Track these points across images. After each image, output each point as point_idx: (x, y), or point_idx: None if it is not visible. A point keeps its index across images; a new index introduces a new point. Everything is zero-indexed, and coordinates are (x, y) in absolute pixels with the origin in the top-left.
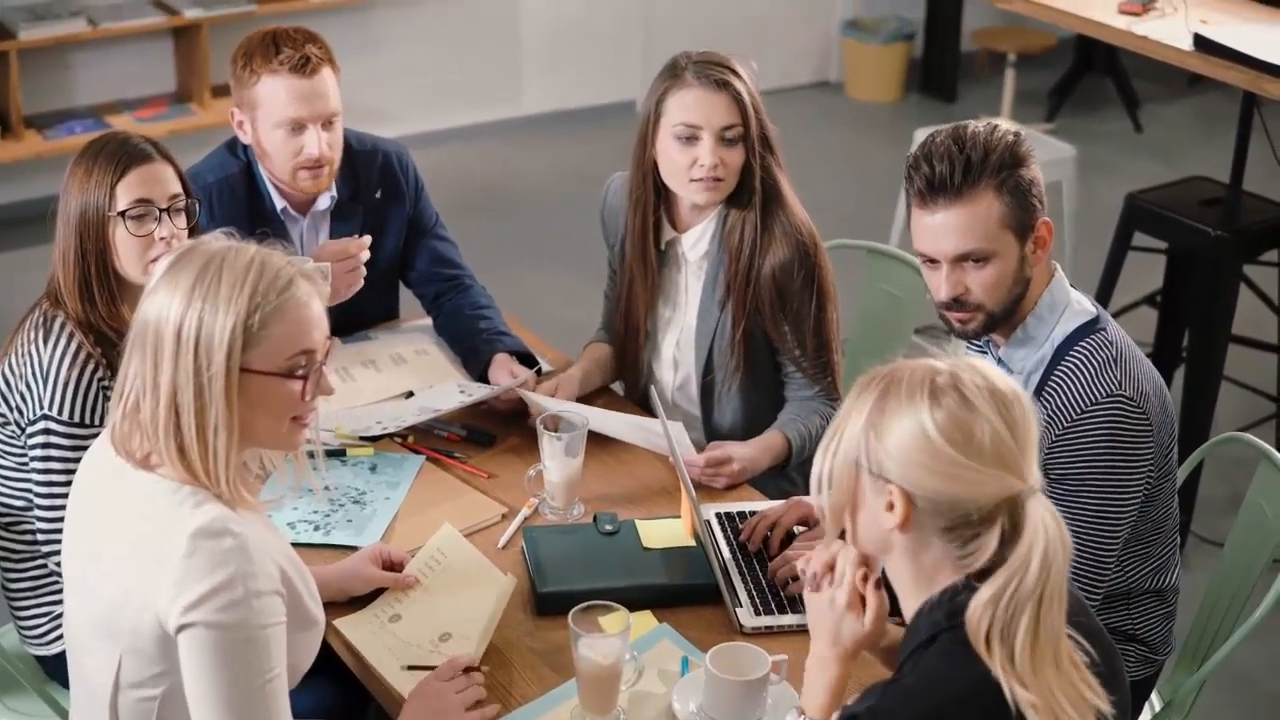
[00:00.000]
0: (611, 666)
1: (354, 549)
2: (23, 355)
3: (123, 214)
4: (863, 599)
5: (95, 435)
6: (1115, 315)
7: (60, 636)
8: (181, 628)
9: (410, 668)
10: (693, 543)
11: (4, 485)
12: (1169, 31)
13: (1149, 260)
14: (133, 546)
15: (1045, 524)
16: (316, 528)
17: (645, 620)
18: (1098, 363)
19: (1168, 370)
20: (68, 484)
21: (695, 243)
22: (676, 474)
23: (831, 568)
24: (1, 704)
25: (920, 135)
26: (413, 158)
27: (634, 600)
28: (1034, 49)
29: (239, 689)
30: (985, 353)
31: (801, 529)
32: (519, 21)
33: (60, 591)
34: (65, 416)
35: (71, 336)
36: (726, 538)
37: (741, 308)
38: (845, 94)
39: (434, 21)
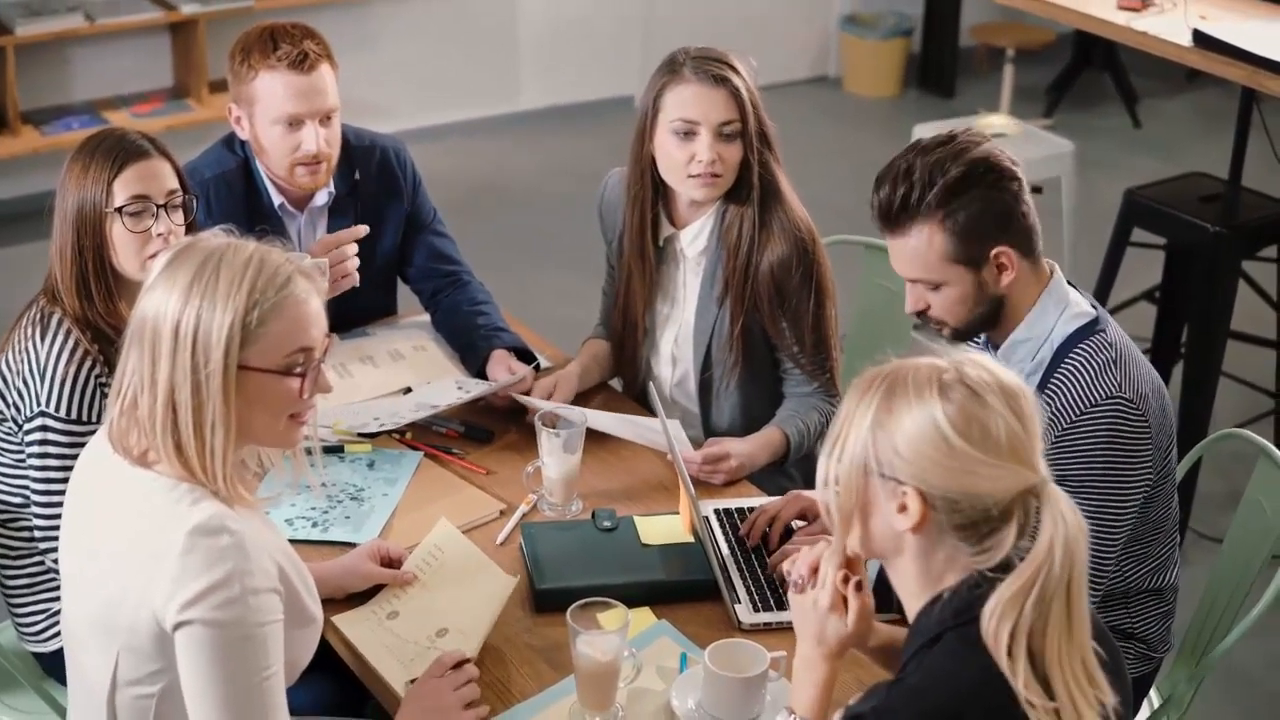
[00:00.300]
0: (610, 663)
1: (352, 546)
2: (20, 352)
3: (120, 210)
4: (845, 600)
5: (92, 432)
6: (1114, 311)
7: (58, 634)
8: (178, 625)
9: (414, 681)
10: (691, 539)
11: (1, 482)
12: (1168, 27)
13: (1148, 256)
14: (130, 544)
15: (1064, 513)
16: (314, 524)
17: (644, 617)
18: (1097, 365)
19: (1166, 366)
20: (65, 481)
21: (693, 239)
22: (675, 470)
23: (816, 570)
24: None
25: (919, 131)
26: (410, 153)
27: (632, 597)
28: (1033, 44)
29: (236, 687)
30: (985, 350)
31: (800, 523)
32: (516, 17)
33: (58, 589)
34: (62, 413)
35: (69, 333)
36: (725, 534)
37: (740, 304)
38: (844, 89)
39: (431, 17)
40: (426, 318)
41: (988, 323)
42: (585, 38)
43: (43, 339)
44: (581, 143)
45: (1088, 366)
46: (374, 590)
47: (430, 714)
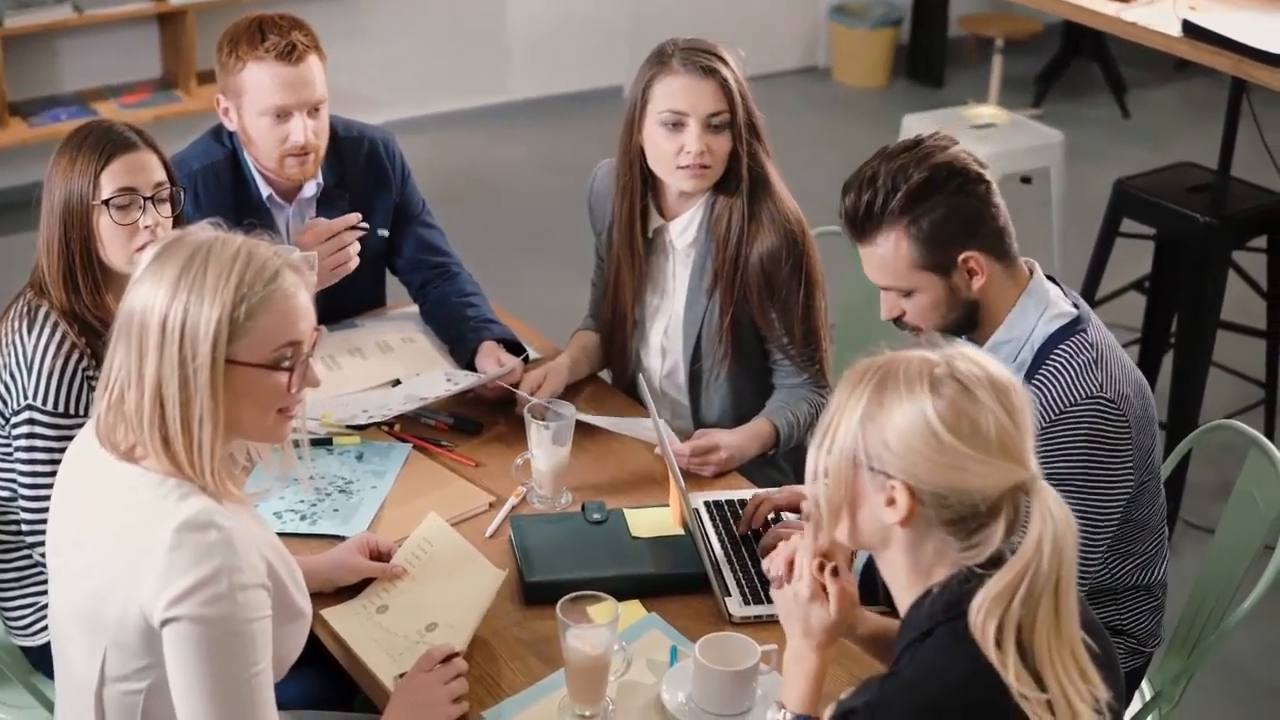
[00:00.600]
0: (600, 657)
1: (341, 539)
2: (7, 345)
3: (107, 203)
4: (825, 588)
5: (80, 425)
6: (1104, 301)
7: (45, 628)
8: (166, 622)
9: (403, 675)
10: (681, 532)
11: None
12: (1157, 17)
13: (1137, 246)
14: (117, 539)
15: (1053, 510)
16: (303, 517)
17: (634, 610)
18: (1077, 365)
19: (1156, 356)
20: (52, 474)
21: (683, 230)
22: (664, 463)
23: (793, 563)
24: None
25: (908, 122)
26: (399, 144)
27: (622, 589)
28: (1021, 34)
29: (224, 683)
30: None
31: (792, 516)
32: (505, 7)
33: (45, 583)
34: (50, 407)
35: (56, 326)
36: (715, 526)
37: (729, 296)
38: (832, 79)
39: (419, 8)
40: (415, 309)
41: (964, 327)
42: (573, 28)
43: (29, 332)
44: (570, 133)
45: (1068, 367)
46: (363, 584)
47: (419, 708)
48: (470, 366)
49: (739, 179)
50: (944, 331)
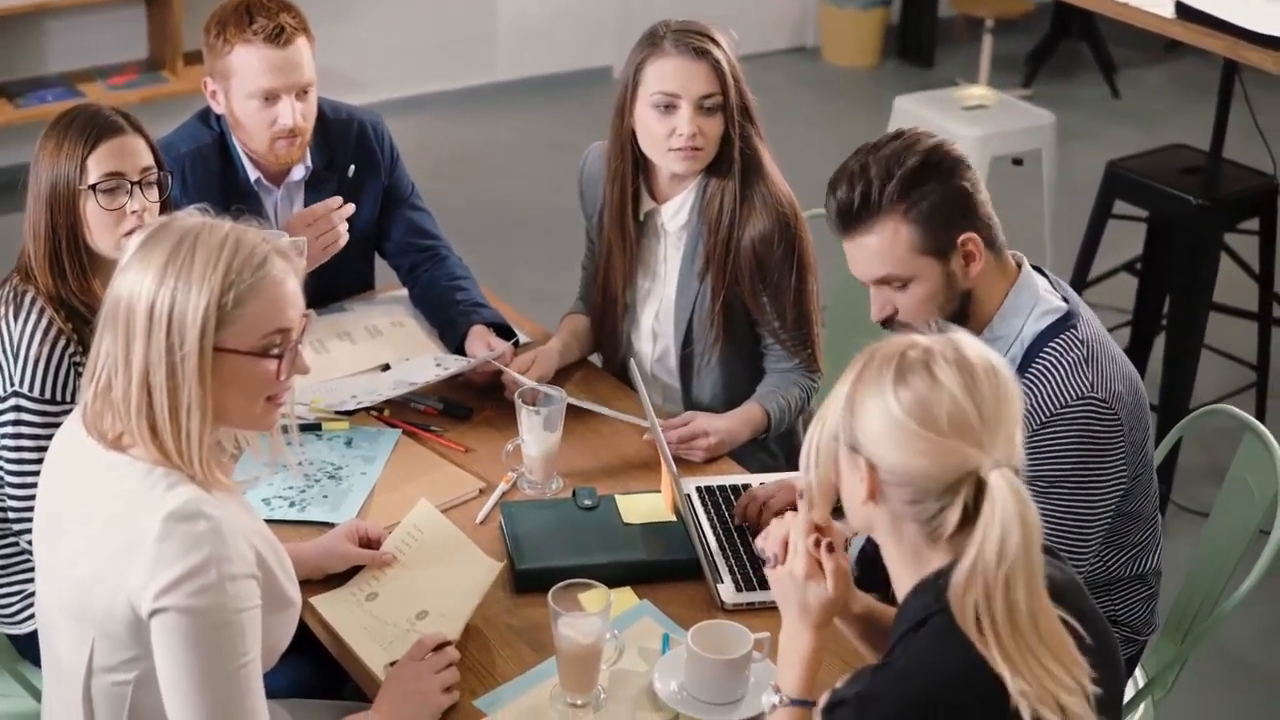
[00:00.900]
0: (592, 645)
1: (330, 526)
2: None
3: (93, 187)
4: (820, 565)
5: (67, 412)
6: (1094, 282)
7: (33, 615)
8: (154, 612)
9: (394, 664)
10: (673, 518)
11: None
12: None
13: (1128, 227)
14: (104, 529)
15: (1004, 502)
16: (292, 504)
17: (625, 597)
18: (1068, 363)
19: (1148, 338)
20: (39, 462)
21: (674, 214)
22: (655, 448)
23: (787, 543)
24: None
25: (899, 103)
26: (388, 127)
27: (614, 577)
28: (1011, 14)
29: (213, 674)
30: None
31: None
32: None
33: (33, 570)
34: (36, 393)
35: (42, 312)
36: (707, 512)
37: (721, 279)
38: (822, 59)
39: None
40: (404, 292)
41: (956, 322)
42: (562, 8)
43: (16, 318)
44: (560, 114)
45: (1059, 365)
46: (352, 571)
47: (411, 697)
48: (460, 351)
49: (731, 161)
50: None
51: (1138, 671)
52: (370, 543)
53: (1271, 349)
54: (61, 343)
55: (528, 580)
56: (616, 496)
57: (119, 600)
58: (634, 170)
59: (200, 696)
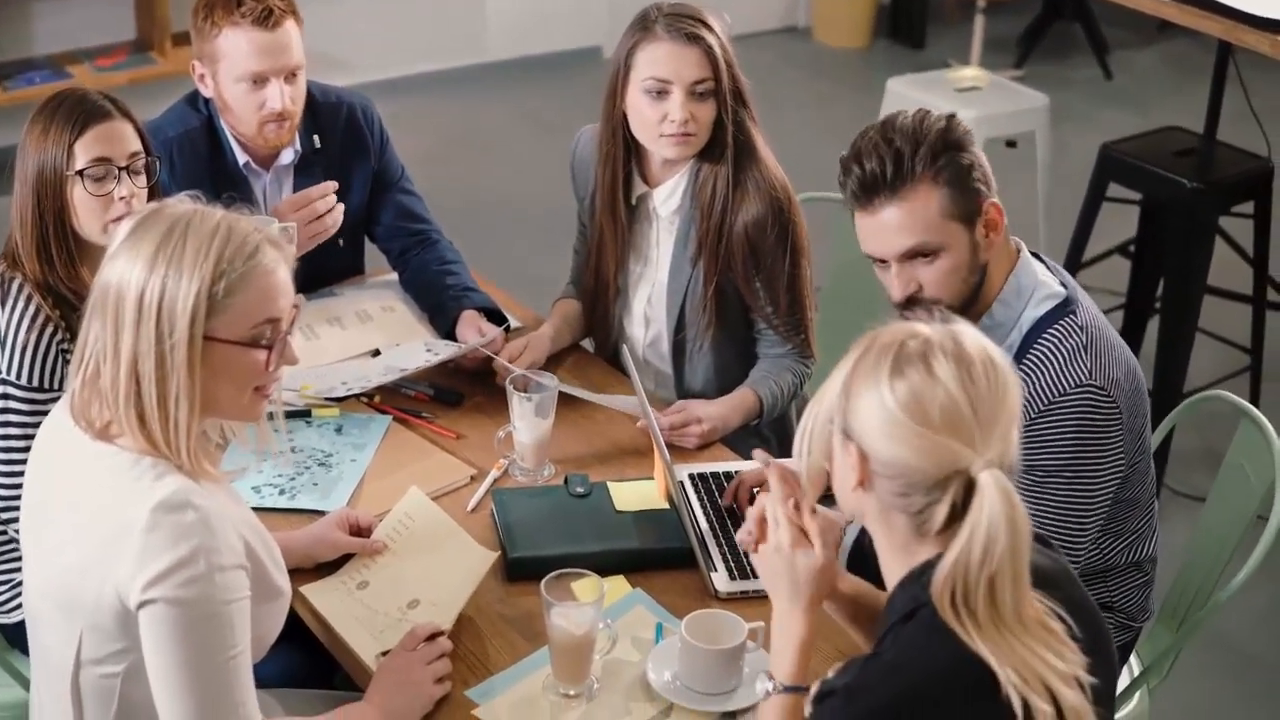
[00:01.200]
0: (585, 636)
1: (320, 514)
2: None
3: (81, 173)
4: (805, 532)
5: (54, 400)
6: (1088, 265)
7: (20, 605)
8: (143, 604)
9: (386, 653)
10: (666, 505)
11: None
12: None
13: (1121, 209)
14: (92, 520)
15: (991, 503)
16: (282, 492)
17: (618, 585)
18: (1067, 350)
19: (1141, 321)
20: (26, 450)
21: (667, 198)
22: (648, 434)
23: (764, 520)
24: None
25: (892, 85)
26: (378, 110)
27: (606, 565)
28: None
29: (202, 666)
30: None
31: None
32: None
33: (20, 558)
34: (24, 381)
35: (30, 299)
36: (701, 500)
37: (714, 265)
38: (813, 40)
39: None
40: (394, 277)
41: (972, 301)
42: None
43: (2, 306)
44: (549, 94)
45: (1057, 352)
46: (343, 560)
47: (403, 687)
48: (451, 336)
49: (724, 146)
50: (961, 302)
51: (1133, 659)
52: (361, 531)
53: (1266, 333)
54: (49, 330)
55: (520, 569)
56: (609, 484)
57: (107, 592)
58: (626, 154)
59: (189, 689)
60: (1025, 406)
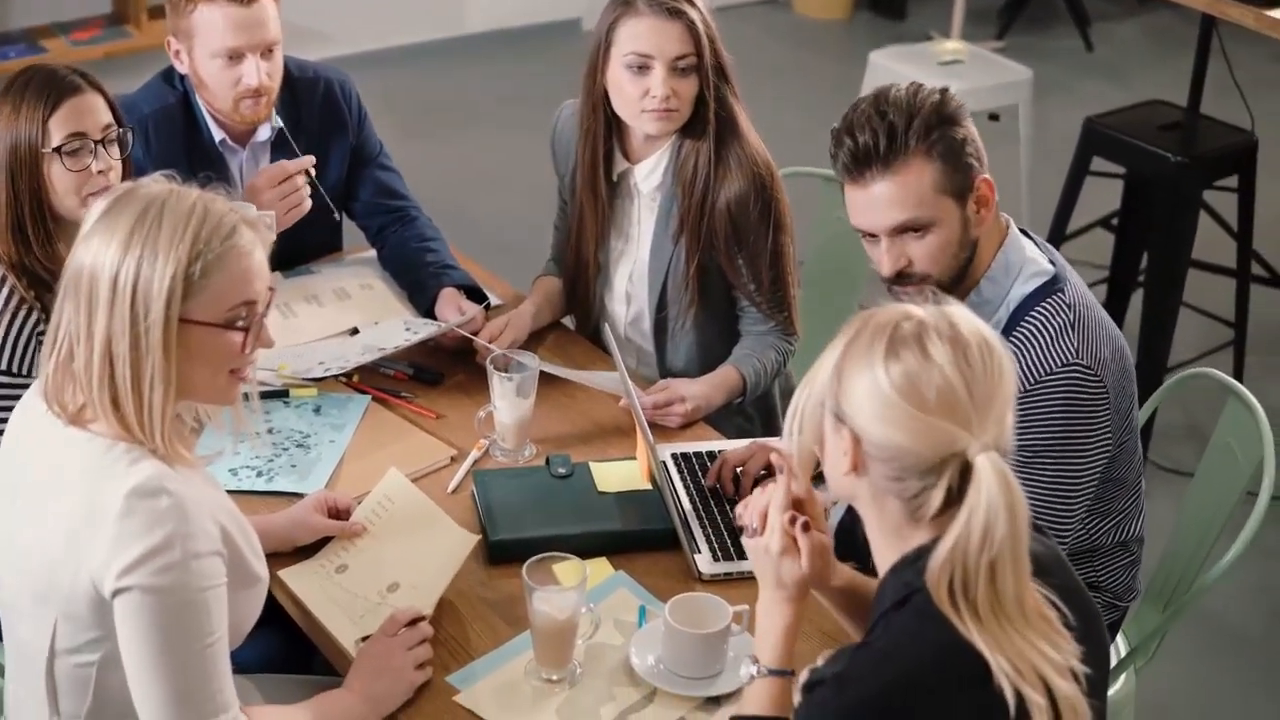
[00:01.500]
0: (567, 620)
1: (299, 496)
2: None
3: (59, 150)
4: (796, 542)
5: (28, 385)
6: (1070, 238)
7: None
8: (117, 592)
9: (365, 639)
10: (649, 486)
11: None
12: None
13: (1102, 181)
14: (66, 507)
15: (989, 488)
16: (260, 474)
17: (601, 567)
18: (1054, 328)
19: (1124, 295)
20: None
21: (648, 175)
22: (630, 413)
23: (766, 514)
24: None
25: (874, 58)
26: (355, 85)
27: (589, 547)
28: None
29: (178, 654)
30: None
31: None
32: None
33: None
34: None
35: (4, 281)
36: (684, 480)
37: (695, 242)
38: (793, 11)
39: None
40: (373, 254)
41: (961, 277)
42: None
43: None
44: (529, 67)
45: (1044, 330)
46: (321, 543)
47: (383, 674)
48: (430, 314)
49: (706, 123)
50: (951, 277)
51: (1119, 638)
52: (339, 513)
53: (1250, 306)
54: (23, 313)
55: (501, 551)
56: (591, 464)
57: (81, 580)
58: (607, 130)
59: (165, 677)
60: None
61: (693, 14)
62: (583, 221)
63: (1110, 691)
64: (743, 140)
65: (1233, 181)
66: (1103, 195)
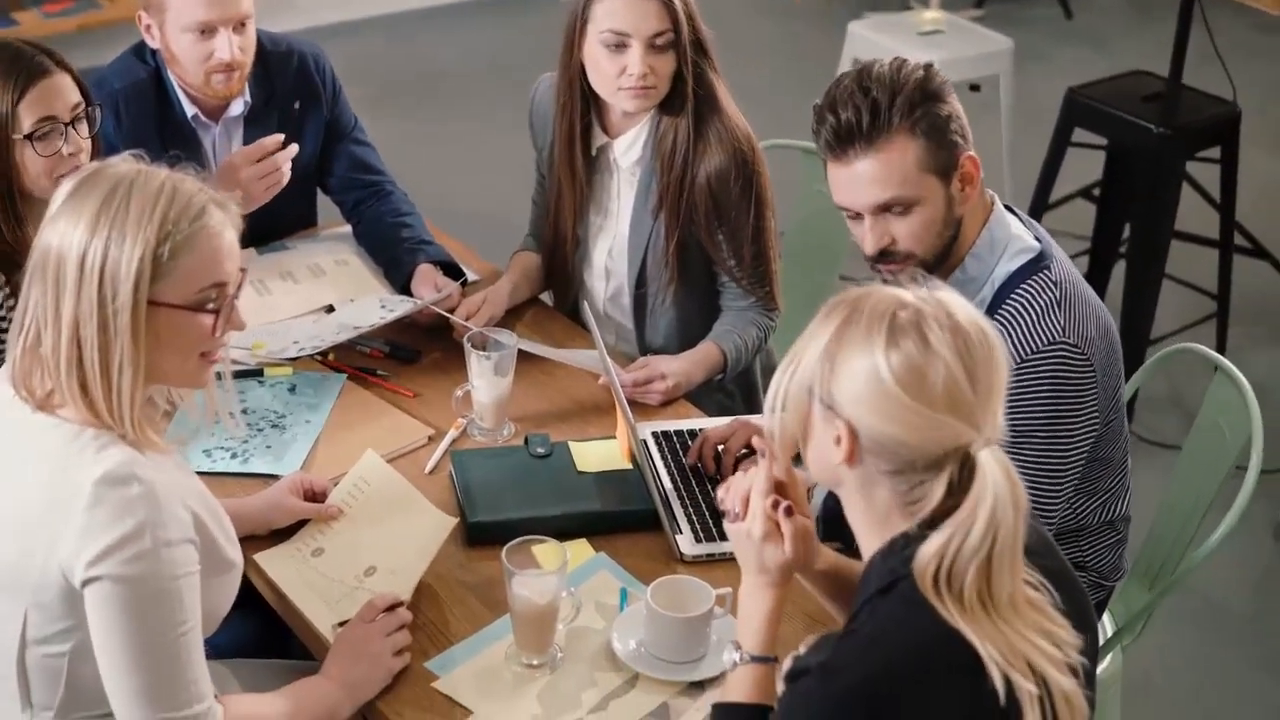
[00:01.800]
0: (548, 605)
1: (274, 478)
2: None
3: (30, 136)
4: (779, 527)
5: None
6: (1052, 208)
7: None
8: (87, 581)
9: (343, 624)
10: (629, 465)
11: None
12: None
13: (1085, 151)
14: (34, 495)
15: (995, 481)
16: (234, 455)
17: (581, 549)
18: (1040, 306)
19: (1106, 266)
20: None
21: (627, 149)
22: (610, 391)
23: (748, 498)
24: None
25: (853, 28)
26: (329, 58)
27: (569, 528)
28: None
29: (150, 644)
30: None
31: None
32: None
33: None
34: None
35: None
36: (665, 459)
37: (675, 217)
38: None
39: None
40: (348, 229)
41: (945, 255)
42: None
43: None
44: (505, 35)
45: (1030, 308)
46: (297, 526)
47: (360, 660)
48: (406, 290)
49: (684, 99)
50: (935, 256)
51: (1106, 617)
52: (315, 496)
53: (1233, 278)
54: None
55: (480, 533)
56: (570, 443)
57: (51, 570)
58: (584, 105)
59: (138, 667)
60: None
61: None
62: (561, 196)
63: (1097, 671)
64: (723, 115)
65: (1215, 152)
66: (1083, 165)
